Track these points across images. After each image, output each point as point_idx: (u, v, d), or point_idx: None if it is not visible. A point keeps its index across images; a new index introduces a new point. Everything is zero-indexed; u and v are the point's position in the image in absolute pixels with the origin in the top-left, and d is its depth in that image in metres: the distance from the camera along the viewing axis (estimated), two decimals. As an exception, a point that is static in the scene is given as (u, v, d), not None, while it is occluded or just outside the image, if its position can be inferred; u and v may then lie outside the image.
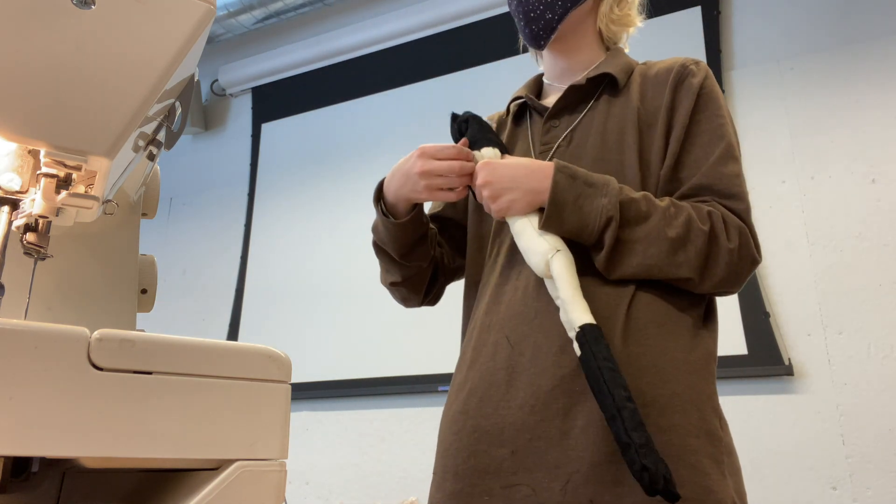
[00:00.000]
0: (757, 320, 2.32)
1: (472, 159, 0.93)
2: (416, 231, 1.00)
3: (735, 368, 2.27)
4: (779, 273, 2.38)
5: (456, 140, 0.99)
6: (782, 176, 2.48)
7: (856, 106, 2.44)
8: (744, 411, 2.25)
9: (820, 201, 2.40)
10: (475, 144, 0.95)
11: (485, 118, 1.15)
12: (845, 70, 2.50)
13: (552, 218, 0.84)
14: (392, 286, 1.08)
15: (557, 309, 0.86)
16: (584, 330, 0.76)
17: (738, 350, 2.30)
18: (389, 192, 0.98)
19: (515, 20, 1.02)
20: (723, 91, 2.63)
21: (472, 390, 0.90)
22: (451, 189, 0.93)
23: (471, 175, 0.92)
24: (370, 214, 3.26)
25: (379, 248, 1.05)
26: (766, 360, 2.27)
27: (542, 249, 0.83)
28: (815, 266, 2.34)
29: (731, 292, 0.89)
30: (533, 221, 0.86)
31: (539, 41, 1.00)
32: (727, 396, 2.27)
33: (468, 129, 0.97)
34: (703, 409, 0.82)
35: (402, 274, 1.05)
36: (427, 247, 1.03)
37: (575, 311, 0.78)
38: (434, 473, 0.92)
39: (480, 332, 0.93)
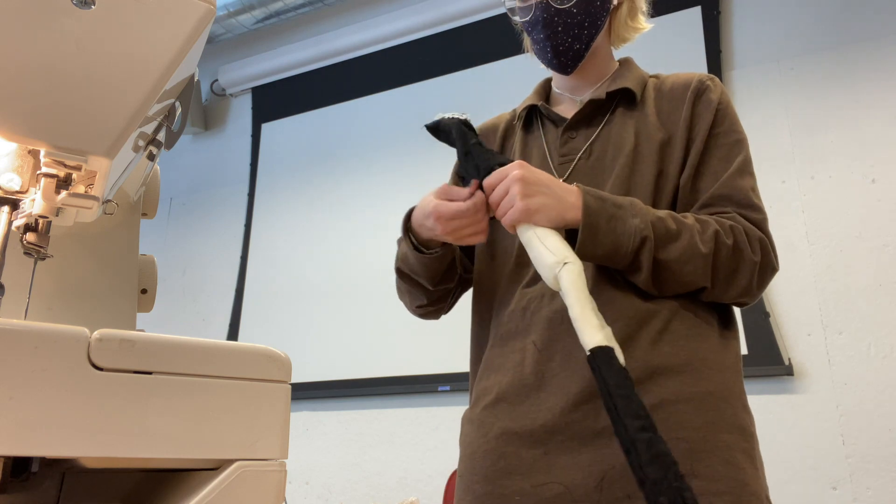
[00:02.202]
0: (757, 320, 2.32)
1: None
2: (447, 258, 0.98)
3: (735, 368, 2.27)
4: (779, 273, 2.38)
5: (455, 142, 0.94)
6: (782, 176, 2.48)
7: (856, 106, 2.44)
8: (744, 411, 2.25)
9: (820, 201, 2.40)
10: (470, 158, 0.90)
11: (487, 121, 1.13)
12: (845, 70, 2.50)
13: (587, 242, 0.82)
14: (418, 309, 1.06)
15: None
16: (595, 354, 0.73)
17: (738, 350, 2.30)
18: (416, 224, 0.95)
19: (537, 49, 1.03)
20: (723, 91, 2.64)
21: (501, 395, 0.91)
22: (475, 232, 0.88)
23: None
24: (370, 214, 3.27)
25: (406, 277, 1.02)
26: (766, 360, 2.27)
27: (549, 262, 0.79)
28: (815, 266, 2.34)
29: (749, 303, 0.91)
30: (538, 232, 0.82)
31: (567, 69, 1.02)
32: (727, 396, 2.27)
33: (456, 140, 0.91)
34: (735, 405, 0.85)
35: (430, 297, 1.03)
36: (455, 267, 1.02)
37: (586, 331, 0.74)
38: (459, 477, 0.93)
39: (505, 338, 0.94)
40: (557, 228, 0.83)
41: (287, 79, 3.82)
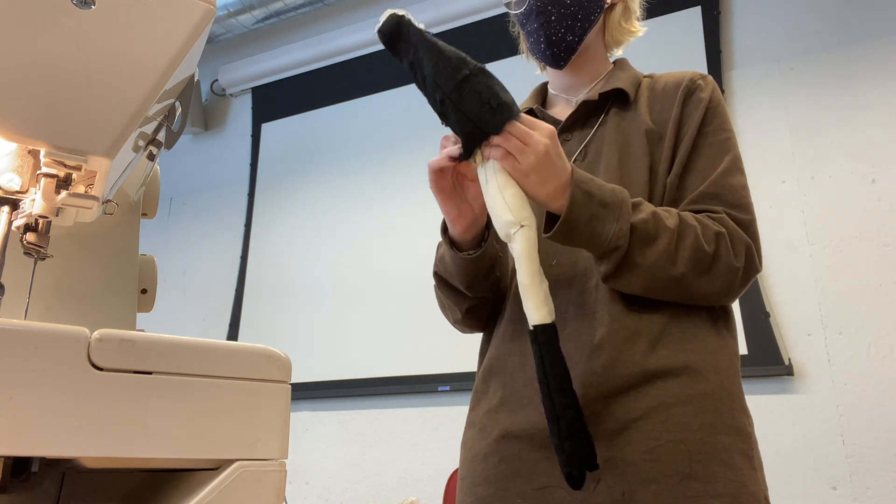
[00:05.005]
0: (757, 320, 2.32)
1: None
2: (485, 263, 0.94)
3: (735, 368, 2.27)
4: (779, 273, 2.38)
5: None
6: (782, 176, 2.48)
7: (856, 106, 2.44)
8: (744, 411, 2.25)
9: (820, 201, 2.40)
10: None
11: None
12: (845, 70, 2.50)
13: (562, 235, 0.81)
14: (455, 324, 1.04)
15: (585, 316, 0.86)
16: (538, 331, 0.75)
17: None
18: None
19: (531, 41, 1.02)
20: (722, 91, 2.63)
21: (503, 399, 0.91)
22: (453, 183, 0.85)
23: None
24: (370, 214, 3.26)
25: (442, 281, 1.00)
26: (766, 360, 2.27)
27: (506, 219, 0.77)
28: (815, 266, 2.34)
29: (726, 304, 0.91)
30: (500, 179, 0.77)
31: (559, 62, 1.01)
32: (727, 396, 2.27)
33: (447, 58, 0.75)
34: (733, 407, 0.84)
35: (466, 307, 0.99)
36: (495, 278, 0.98)
37: (531, 304, 0.75)
38: (461, 479, 0.94)
39: (503, 340, 0.94)
40: (535, 201, 0.79)
41: (287, 79, 3.82)
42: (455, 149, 0.81)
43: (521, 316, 0.92)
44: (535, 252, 0.77)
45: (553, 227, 0.81)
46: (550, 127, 0.79)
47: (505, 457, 0.87)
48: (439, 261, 0.99)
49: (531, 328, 0.76)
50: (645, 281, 0.83)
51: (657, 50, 2.70)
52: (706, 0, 2.78)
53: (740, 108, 2.59)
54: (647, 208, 0.84)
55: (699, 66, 2.70)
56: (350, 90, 3.60)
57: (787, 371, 2.23)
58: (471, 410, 0.97)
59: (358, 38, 3.56)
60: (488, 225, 0.92)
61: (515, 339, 0.93)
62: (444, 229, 0.94)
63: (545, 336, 0.75)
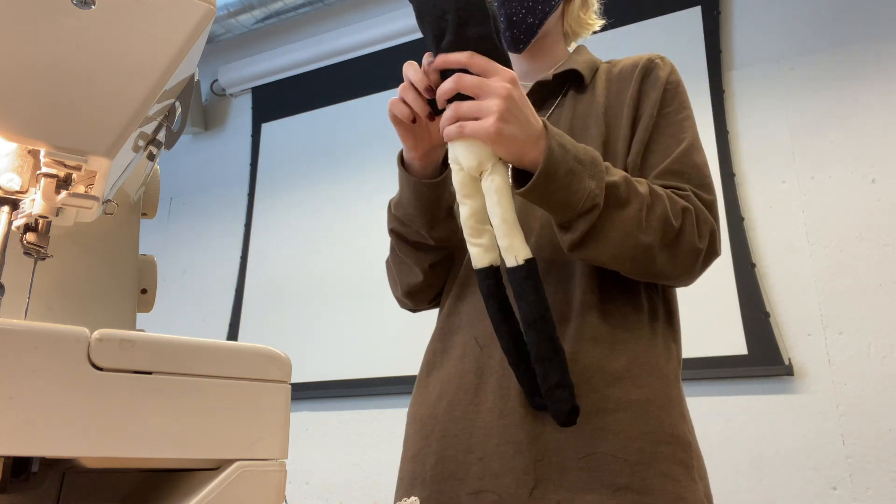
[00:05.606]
0: (757, 320, 2.32)
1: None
2: (446, 193, 0.88)
3: (735, 368, 2.27)
4: (779, 273, 2.38)
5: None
6: (782, 176, 2.48)
7: (855, 106, 2.44)
8: (744, 411, 2.25)
9: (820, 201, 2.40)
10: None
11: None
12: (845, 70, 2.50)
13: (539, 188, 0.74)
14: (410, 293, 1.00)
15: None
16: (531, 264, 0.71)
17: (738, 350, 2.29)
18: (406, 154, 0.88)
19: None
20: (722, 91, 2.64)
21: (441, 393, 0.89)
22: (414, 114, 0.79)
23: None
24: (370, 214, 3.26)
25: (401, 237, 0.95)
26: (766, 360, 2.27)
27: (484, 150, 0.72)
28: (815, 266, 2.34)
29: (685, 286, 0.88)
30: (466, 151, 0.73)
31: (519, 45, 1.00)
32: (727, 396, 2.27)
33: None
34: (673, 414, 0.82)
35: (430, 261, 0.94)
36: (456, 224, 0.91)
37: (518, 238, 0.72)
38: (400, 479, 0.91)
39: (444, 333, 0.94)
40: (510, 164, 0.76)
41: (287, 79, 3.81)
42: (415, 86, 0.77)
43: (458, 307, 0.90)
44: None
45: (524, 187, 0.75)
46: (512, 73, 0.74)
47: (442, 458, 0.85)
48: (395, 207, 0.93)
49: (523, 262, 0.71)
50: (614, 249, 0.78)
51: (657, 50, 2.70)
52: (706, 0, 2.78)
53: (740, 108, 2.59)
54: (618, 171, 0.80)
55: (699, 66, 2.70)
56: (350, 90, 3.60)
57: (787, 371, 2.23)
58: (412, 404, 0.95)
59: (358, 38, 3.56)
60: (445, 162, 0.87)
61: (457, 331, 0.91)
62: (401, 161, 0.89)
63: (536, 271, 0.72)
